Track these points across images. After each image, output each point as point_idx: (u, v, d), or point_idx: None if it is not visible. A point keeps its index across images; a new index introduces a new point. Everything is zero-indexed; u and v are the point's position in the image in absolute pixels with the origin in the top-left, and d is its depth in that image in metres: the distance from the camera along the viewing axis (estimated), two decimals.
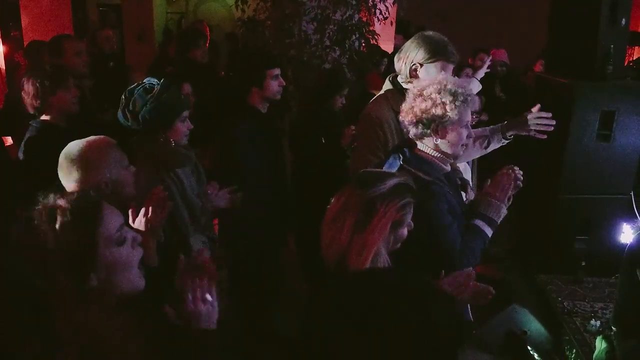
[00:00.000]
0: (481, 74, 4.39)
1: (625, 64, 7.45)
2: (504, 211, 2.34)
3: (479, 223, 2.30)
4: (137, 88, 2.55)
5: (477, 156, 3.16)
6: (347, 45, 5.45)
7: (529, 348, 3.23)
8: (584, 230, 4.14)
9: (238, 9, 5.89)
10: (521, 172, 2.37)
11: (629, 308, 2.99)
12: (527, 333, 3.33)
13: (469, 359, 3.21)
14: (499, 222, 2.34)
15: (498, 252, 4.64)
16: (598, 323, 3.58)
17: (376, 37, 5.73)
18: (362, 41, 5.60)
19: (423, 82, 2.34)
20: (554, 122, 2.84)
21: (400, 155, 2.30)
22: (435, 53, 2.71)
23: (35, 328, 1.20)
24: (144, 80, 2.59)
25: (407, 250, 2.01)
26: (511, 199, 2.38)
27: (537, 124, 2.82)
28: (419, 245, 2.04)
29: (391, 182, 1.88)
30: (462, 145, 2.26)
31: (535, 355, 3.18)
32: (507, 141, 2.97)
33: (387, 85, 2.94)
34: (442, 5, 8.49)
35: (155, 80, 2.58)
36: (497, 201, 2.32)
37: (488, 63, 4.50)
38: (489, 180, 2.44)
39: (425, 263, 2.17)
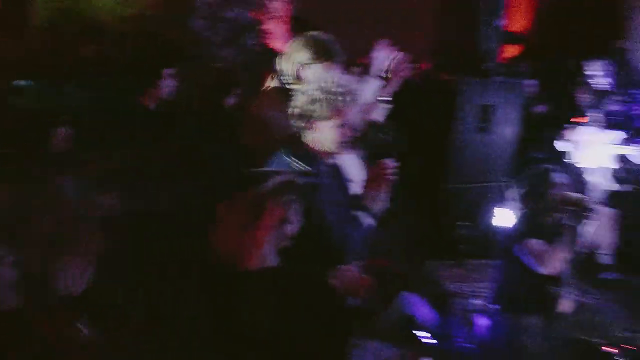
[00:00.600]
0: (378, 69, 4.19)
1: (504, 61, 8.04)
2: (382, 201, 2.42)
3: (359, 214, 2.39)
4: None
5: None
6: (240, 44, 5.42)
7: (420, 332, 3.41)
8: (466, 216, 4.44)
9: (125, 4, 5.69)
10: (393, 164, 2.43)
11: (507, 286, 3.27)
12: (417, 318, 3.53)
13: (371, 351, 3.36)
14: (378, 212, 2.42)
15: (387, 242, 4.83)
16: (480, 301, 3.86)
17: (270, 35, 5.74)
18: (256, 40, 5.59)
19: (309, 80, 2.41)
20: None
21: (285, 150, 2.36)
22: (320, 54, 2.75)
23: None
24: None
25: (297, 246, 2.07)
26: (388, 191, 2.45)
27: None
28: (308, 240, 2.10)
29: (276, 180, 1.92)
30: (342, 142, 2.33)
31: (426, 338, 3.38)
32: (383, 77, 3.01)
33: (272, 83, 2.97)
34: (336, 4, 8.65)
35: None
36: (374, 191, 2.40)
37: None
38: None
39: (314, 257, 2.24)
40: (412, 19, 7.06)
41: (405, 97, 5.38)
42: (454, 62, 4.42)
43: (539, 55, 8.19)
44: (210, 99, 4.30)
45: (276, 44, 4.83)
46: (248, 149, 3.16)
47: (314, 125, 2.30)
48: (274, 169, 2.23)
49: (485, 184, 4.42)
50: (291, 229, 2.04)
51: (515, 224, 3.24)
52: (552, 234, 3.09)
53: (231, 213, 1.92)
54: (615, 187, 4.19)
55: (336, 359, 1.99)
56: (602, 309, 3.91)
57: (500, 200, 4.42)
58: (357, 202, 2.49)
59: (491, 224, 4.42)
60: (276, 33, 5.36)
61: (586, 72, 4.23)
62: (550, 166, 3.38)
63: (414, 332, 3.41)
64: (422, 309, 3.63)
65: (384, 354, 3.33)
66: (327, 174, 2.39)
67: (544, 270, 2.98)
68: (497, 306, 3.33)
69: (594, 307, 3.80)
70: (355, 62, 5.67)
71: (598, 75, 4.17)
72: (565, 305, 3.25)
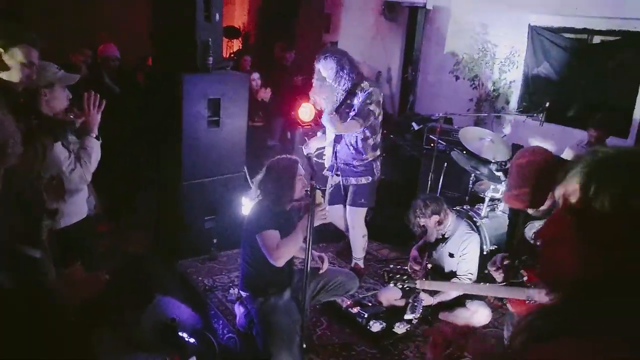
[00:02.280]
0: None
1: (228, 55, 8.31)
2: None
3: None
4: None
5: None
6: None
7: (180, 333, 3.34)
8: (210, 210, 4.47)
9: None
10: None
11: (255, 274, 3.35)
12: (176, 319, 3.44)
13: None
14: None
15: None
16: (236, 291, 3.94)
17: None
18: None
19: None
20: None
21: None
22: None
23: None
24: None
25: None
26: None
27: None
28: None
29: None
30: None
31: (188, 338, 3.32)
32: None
33: None
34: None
35: None
36: None
37: None
38: None
39: None
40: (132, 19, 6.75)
41: (131, 96, 5.17)
42: (177, 56, 4.33)
43: (258, 49, 8.70)
44: None
45: None
46: None
47: None
48: None
49: (224, 176, 4.49)
50: None
51: (256, 215, 3.32)
52: (288, 226, 3.27)
53: None
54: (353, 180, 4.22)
55: None
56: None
57: (239, 192, 4.56)
58: None
59: (236, 213, 4.55)
60: None
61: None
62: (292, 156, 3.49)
63: (174, 334, 3.32)
64: (180, 310, 3.55)
65: None
66: None
67: (275, 262, 3.16)
68: (247, 293, 3.42)
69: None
70: (70, 58, 5.25)
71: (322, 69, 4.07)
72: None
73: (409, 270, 4.00)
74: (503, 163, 4.78)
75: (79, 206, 3.03)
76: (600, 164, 0.97)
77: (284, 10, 8.60)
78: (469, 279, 3.67)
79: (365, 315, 3.59)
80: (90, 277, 2.05)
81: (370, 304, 3.80)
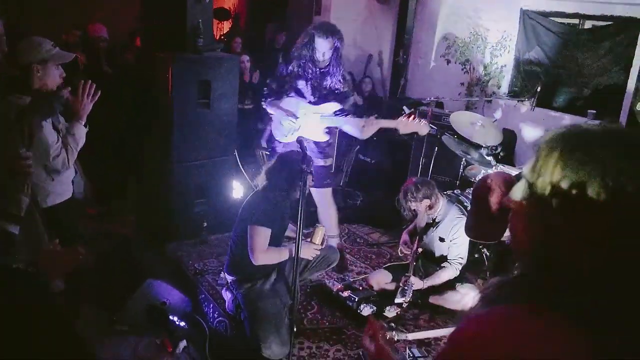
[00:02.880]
0: None
1: (218, 37, 8.20)
2: None
3: None
4: None
5: None
6: None
7: (170, 316, 3.34)
8: (201, 194, 4.43)
9: None
10: None
11: (243, 258, 3.34)
12: (166, 303, 3.43)
13: (126, 344, 3.16)
14: None
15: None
16: (226, 276, 3.93)
17: None
18: None
19: None
20: None
21: None
22: None
23: None
24: None
25: None
26: None
27: None
28: None
29: None
30: None
31: (178, 321, 3.32)
32: None
33: None
34: None
35: None
36: None
37: None
38: None
39: None
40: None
41: (123, 80, 5.09)
42: (167, 38, 4.26)
43: (249, 31, 8.59)
44: None
45: None
46: None
47: None
48: None
49: (214, 159, 4.44)
50: None
51: (257, 204, 3.30)
52: (281, 220, 3.29)
53: None
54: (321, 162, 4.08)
55: None
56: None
57: (230, 175, 4.53)
58: None
59: (227, 197, 4.53)
60: None
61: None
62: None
63: (165, 318, 3.32)
64: (170, 294, 3.54)
65: (140, 345, 3.18)
66: None
67: (253, 260, 3.21)
68: (233, 277, 3.43)
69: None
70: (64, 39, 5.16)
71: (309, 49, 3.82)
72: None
73: (399, 254, 4.03)
74: (494, 148, 4.78)
75: (65, 185, 3.02)
76: (584, 144, 0.82)
77: None
78: (459, 263, 3.68)
79: (356, 299, 3.60)
80: (67, 251, 2.06)
81: (360, 288, 3.81)
